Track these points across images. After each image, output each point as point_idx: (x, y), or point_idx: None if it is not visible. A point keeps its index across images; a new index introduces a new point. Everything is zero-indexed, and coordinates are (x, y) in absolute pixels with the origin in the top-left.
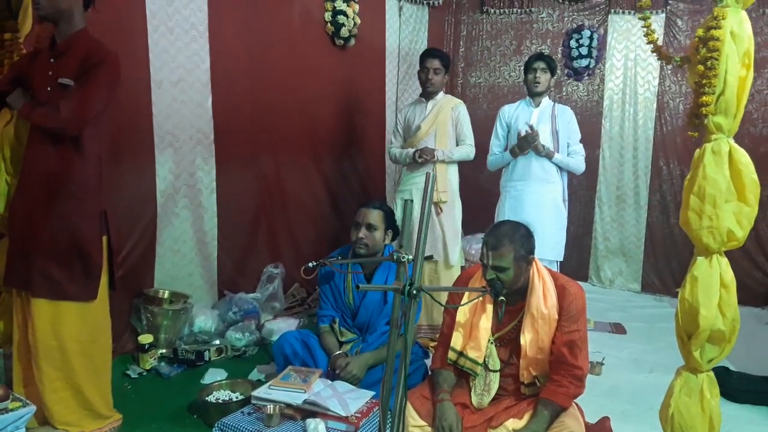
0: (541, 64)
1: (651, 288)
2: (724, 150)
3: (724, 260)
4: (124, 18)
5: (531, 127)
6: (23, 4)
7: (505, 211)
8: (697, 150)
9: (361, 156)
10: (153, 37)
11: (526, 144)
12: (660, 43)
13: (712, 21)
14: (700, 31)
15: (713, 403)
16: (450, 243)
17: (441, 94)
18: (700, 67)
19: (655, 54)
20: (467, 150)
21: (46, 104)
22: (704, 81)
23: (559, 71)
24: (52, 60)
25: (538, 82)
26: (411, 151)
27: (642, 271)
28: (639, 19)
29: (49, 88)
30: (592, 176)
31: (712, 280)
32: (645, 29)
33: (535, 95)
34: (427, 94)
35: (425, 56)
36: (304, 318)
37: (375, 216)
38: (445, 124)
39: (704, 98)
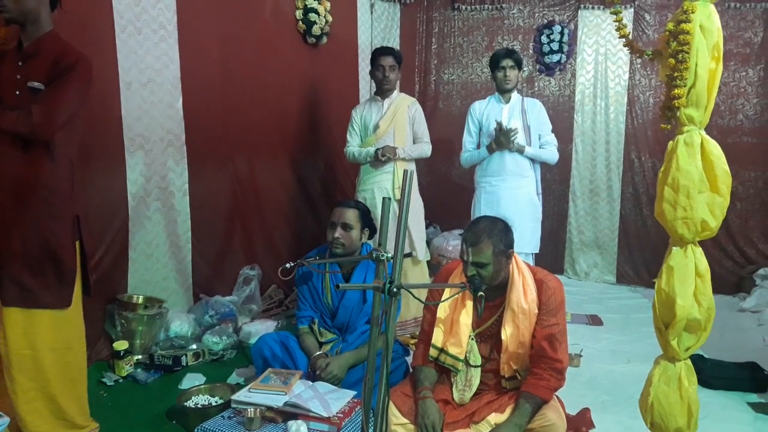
0: (509, 62)
1: (625, 279)
2: (696, 141)
3: (699, 250)
4: (91, 18)
5: (499, 125)
6: None
7: (480, 207)
8: (670, 142)
9: (336, 154)
10: (121, 38)
11: (505, 140)
12: (629, 37)
13: (682, 15)
14: (670, 25)
15: (691, 390)
16: (416, 239)
17: (396, 92)
18: (671, 61)
19: (627, 48)
20: (425, 148)
21: (15, 109)
22: (675, 74)
23: (530, 66)
24: (20, 63)
25: (509, 80)
26: (372, 149)
27: (616, 263)
28: (611, 13)
29: (17, 92)
30: (565, 170)
31: (688, 270)
32: (616, 23)
33: (505, 92)
34: (383, 92)
35: (378, 54)
36: (282, 319)
37: (351, 215)
38: (403, 123)
39: (676, 91)
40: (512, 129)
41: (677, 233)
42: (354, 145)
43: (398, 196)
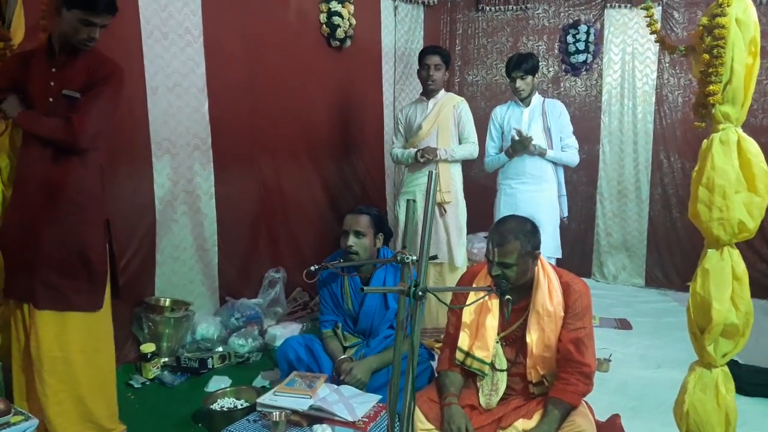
0: (519, 73)
1: (655, 282)
2: (732, 139)
3: (736, 252)
4: (118, 24)
5: (519, 132)
6: (14, 12)
7: (500, 209)
8: (705, 141)
9: (360, 157)
10: (147, 43)
11: (520, 147)
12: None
13: (717, 8)
14: (704, 20)
15: (729, 398)
16: (455, 244)
17: (442, 92)
18: (706, 56)
19: (658, 44)
20: (470, 148)
21: (48, 115)
22: (710, 70)
23: (556, 67)
24: (53, 70)
25: (520, 90)
26: (413, 151)
27: (645, 265)
28: (641, 8)
29: (51, 99)
30: (592, 171)
31: (724, 273)
32: (647, 19)
33: (522, 98)
34: (428, 93)
35: (424, 53)
36: (307, 322)
37: (362, 222)
38: (447, 123)
39: (711, 87)
40: (529, 137)
41: (713, 235)
42: (398, 147)
43: (440, 199)
